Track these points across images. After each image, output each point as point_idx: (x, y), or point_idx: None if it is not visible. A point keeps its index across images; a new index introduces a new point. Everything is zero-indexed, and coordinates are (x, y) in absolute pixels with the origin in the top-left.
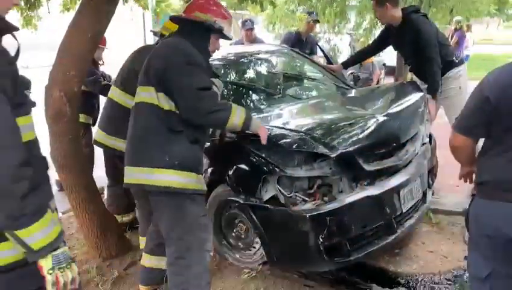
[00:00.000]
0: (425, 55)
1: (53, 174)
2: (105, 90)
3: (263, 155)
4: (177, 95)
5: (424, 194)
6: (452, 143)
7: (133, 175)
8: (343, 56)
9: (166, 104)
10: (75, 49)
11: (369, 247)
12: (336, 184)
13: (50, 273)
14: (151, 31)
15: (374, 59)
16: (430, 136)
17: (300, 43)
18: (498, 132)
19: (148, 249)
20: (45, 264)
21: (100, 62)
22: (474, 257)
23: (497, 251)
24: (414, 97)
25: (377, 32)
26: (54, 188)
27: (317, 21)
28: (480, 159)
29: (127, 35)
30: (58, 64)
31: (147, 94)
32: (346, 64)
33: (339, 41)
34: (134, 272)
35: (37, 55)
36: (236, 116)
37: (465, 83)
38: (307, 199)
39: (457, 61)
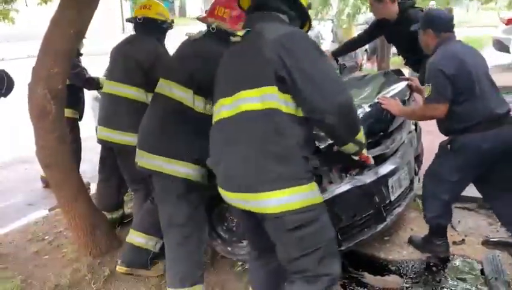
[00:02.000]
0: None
1: (39, 171)
2: (88, 83)
3: None
4: None
5: (411, 182)
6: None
7: (151, 162)
8: (327, 43)
9: (200, 106)
10: (58, 46)
11: (359, 236)
12: (326, 175)
13: None
14: (127, 20)
15: None
16: (416, 124)
17: None
18: None
19: (141, 227)
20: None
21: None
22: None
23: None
24: (399, 86)
25: (360, 17)
26: (39, 185)
27: None
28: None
29: (103, 25)
30: (41, 61)
31: (182, 93)
32: (335, 54)
33: (322, 28)
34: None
35: (11, 47)
36: None
37: None
38: None
39: None
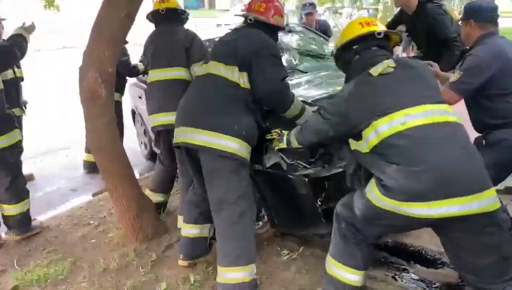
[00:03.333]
0: (443, 37)
1: (80, 157)
2: (132, 72)
3: (267, 124)
4: (263, 80)
5: None
6: None
7: (197, 137)
8: None
9: (246, 83)
10: (110, 29)
11: None
12: (337, 152)
13: None
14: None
15: None
16: None
17: None
18: None
19: (192, 219)
20: None
21: None
22: None
23: None
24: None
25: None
26: (81, 171)
27: (311, 13)
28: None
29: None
30: (93, 45)
31: (229, 72)
32: None
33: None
34: (173, 254)
35: (48, 37)
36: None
37: None
38: (307, 166)
39: None
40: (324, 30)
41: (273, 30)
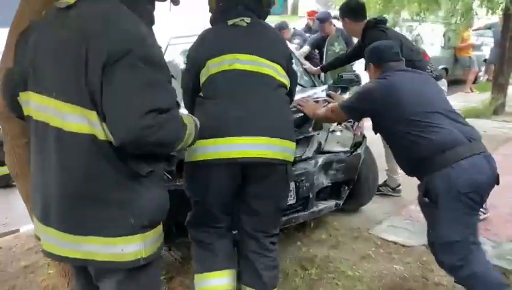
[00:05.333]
0: None
1: None
2: None
3: None
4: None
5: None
6: None
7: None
8: (435, 48)
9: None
10: None
11: None
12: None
13: None
14: None
15: (473, 54)
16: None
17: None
18: None
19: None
20: None
21: None
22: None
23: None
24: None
25: (480, 22)
26: None
27: (324, 20)
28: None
29: None
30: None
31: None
32: (324, 69)
33: (429, 31)
34: None
35: None
36: None
37: None
38: None
39: None
40: (346, 39)
41: None
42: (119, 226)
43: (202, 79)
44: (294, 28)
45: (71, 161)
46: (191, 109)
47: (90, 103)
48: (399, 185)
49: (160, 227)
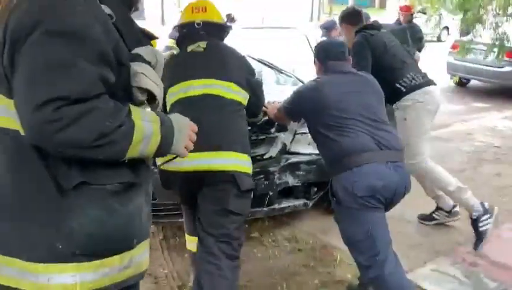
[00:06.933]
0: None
1: None
2: None
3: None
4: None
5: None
6: None
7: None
8: None
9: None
10: None
11: None
12: None
13: None
14: None
15: None
16: None
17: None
18: None
19: None
20: None
21: None
22: None
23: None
24: None
25: None
26: None
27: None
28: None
29: None
30: None
31: None
32: None
33: None
34: None
35: None
36: None
37: (413, 114)
38: None
39: (404, 90)
40: None
41: None
42: (42, 250)
43: (167, 108)
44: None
45: None
46: None
47: (8, 89)
48: (454, 205)
49: (117, 258)
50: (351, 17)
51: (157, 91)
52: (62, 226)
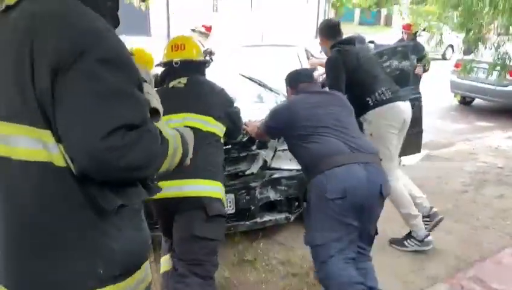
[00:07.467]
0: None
1: None
2: None
3: None
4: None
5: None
6: None
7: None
8: None
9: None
10: None
11: None
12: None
13: None
14: None
15: None
16: None
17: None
18: None
19: None
20: None
21: None
22: None
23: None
24: None
25: None
26: None
27: None
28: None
29: None
30: None
31: None
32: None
33: None
34: None
35: None
36: None
37: (376, 130)
38: None
39: (372, 104)
40: None
41: None
42: (84, 280)
43: None
44: (373, 42)
45: (20, 199)
46: None
47: (41, 119)
48: (427, 235)
49: (139, 271)
50: (327, 29)
51: (160, 107)
52: (103, 250)
